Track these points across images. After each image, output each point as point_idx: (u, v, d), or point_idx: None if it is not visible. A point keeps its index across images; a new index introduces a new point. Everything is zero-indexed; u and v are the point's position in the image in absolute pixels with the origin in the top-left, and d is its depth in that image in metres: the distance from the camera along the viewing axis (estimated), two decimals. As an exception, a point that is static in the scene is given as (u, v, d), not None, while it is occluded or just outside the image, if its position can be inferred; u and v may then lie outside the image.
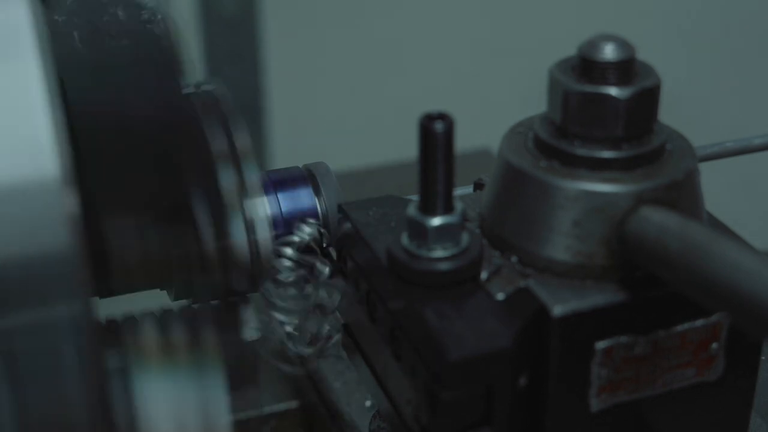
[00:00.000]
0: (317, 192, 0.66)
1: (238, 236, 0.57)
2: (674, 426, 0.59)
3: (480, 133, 1.06)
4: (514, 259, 0.57)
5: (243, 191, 0.59)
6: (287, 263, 0.66)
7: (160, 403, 0.53)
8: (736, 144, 0.71)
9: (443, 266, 0.55)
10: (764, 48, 1.91)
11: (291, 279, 0.66)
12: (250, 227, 0.64)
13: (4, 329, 0.47)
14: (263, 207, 0.65)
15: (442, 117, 0.54)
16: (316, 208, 0.66)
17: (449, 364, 0.51)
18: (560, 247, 0.55)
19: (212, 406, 0.53)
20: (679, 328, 0.56)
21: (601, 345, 0.54)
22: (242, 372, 0.57)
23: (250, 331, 0.58)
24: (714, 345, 0.57)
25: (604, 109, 0.54)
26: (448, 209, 0.56)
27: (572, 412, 0.55)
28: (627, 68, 0.54)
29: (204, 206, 0.56)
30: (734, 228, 0.59)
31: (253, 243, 0.64)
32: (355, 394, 0.74)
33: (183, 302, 0.60)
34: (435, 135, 0.54)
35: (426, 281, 0.56)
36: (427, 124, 0.54)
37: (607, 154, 0.55)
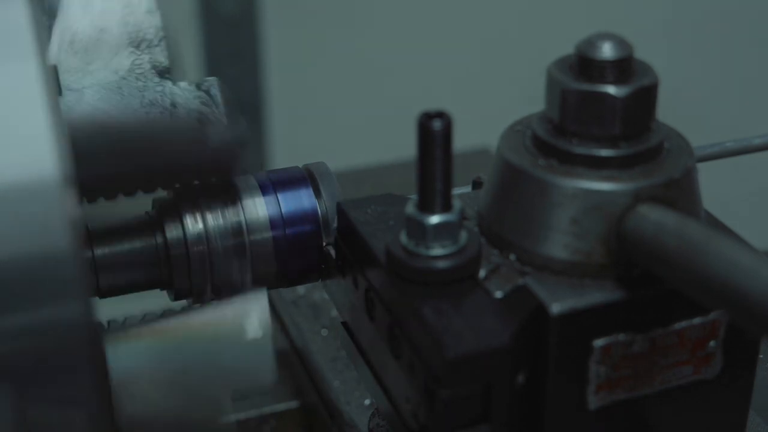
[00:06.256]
0: (317, 192, 0.66)
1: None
2: (672, 424, 0.59)
3: (478, 131, 1.06)
4: (512, 257, 0.57)
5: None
6: None
7: None
8: (736, 144, 0.71)
9: (441, 264, 0.55)
10: (764, 48, 1.91)
11: None
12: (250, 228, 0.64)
13: (4, 329, 0.47)
14: (263, 207, 0.65)
15: (441, 115, 0.54)
16: (316, 208, 0.66)
17: (447, 362, 0.51)
18: (558, 245, 0.55)
19: None
20: (677, 326, 0.56)
21: (599, 343, 0.54)
22: None
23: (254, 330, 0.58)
24: (712, 343, 0.57)
25: (602, 107, 0.54)
26: (446, 207, 0.56)
27: (570, 410, 0.55)
28: (625, 67, 0.55)
29: None
30: (734, 228, 0.59)
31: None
32: (354, 393, 0.74)
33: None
34: (433, 133, 0.54)
35: (424, 279, 0.56)
36: (425, 122, 0.54)
37: (605, 152, 0.55)
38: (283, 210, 0.65)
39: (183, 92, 0.60)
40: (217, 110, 0.60)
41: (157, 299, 0.64)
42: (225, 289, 0.63)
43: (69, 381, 0.49)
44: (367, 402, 0.73)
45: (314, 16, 1.72)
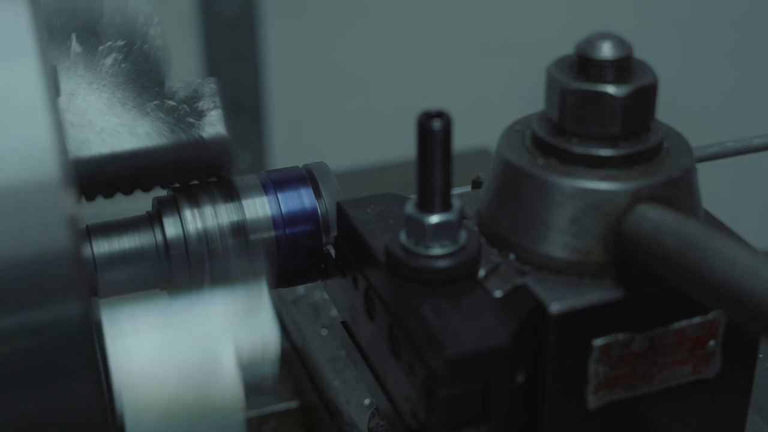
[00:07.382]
0: (317, 192, 0.66)
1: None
2: (672, 423, 0.59)
3: (478, 131, 1.07)
4: (511, 256, 0.57)
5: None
6: None
7: None
8: (736, 144, 0.71)
9: (441, 263, 0.56)
10: (764, 48, 1.91)
11: None
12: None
13: (4, 329, 0.47)
14: (263, 207, 0.65)
15: (440, 115, 0.54)
16: (316, 208, 0.66)
17: (447, 361, 0.51)
18: (558, 245, 0.55)
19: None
20: (676, 325, 0.56)
21: (598, 342, 0.54)
22: None
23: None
24: (711, 342, 0.57)
25: (602, 107, 0.54)
26: (446, 207, 0.56)
27: (569, 409, 0.55)
28: (624, 66, 0.55)
29: None
30: (734, 228, 0.59)
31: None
32: (353, 392, 0.74)
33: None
34: (433, 133, 0.54)
35: (424, 278, 0.56)
36: (425, 122, 0.54)
37: (604, 151, 0.55)
38: (283, 210, 0.65)
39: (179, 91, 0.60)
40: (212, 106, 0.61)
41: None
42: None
43: (69, 380, 0.49)
44: (367, 402, 0.74)
45: (314, 17, 1.72)
